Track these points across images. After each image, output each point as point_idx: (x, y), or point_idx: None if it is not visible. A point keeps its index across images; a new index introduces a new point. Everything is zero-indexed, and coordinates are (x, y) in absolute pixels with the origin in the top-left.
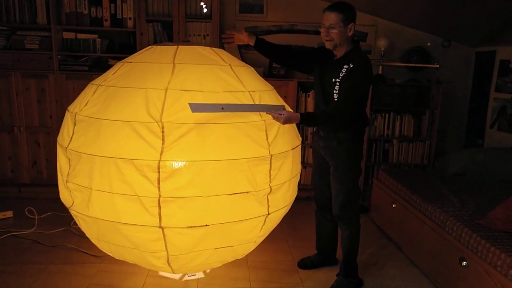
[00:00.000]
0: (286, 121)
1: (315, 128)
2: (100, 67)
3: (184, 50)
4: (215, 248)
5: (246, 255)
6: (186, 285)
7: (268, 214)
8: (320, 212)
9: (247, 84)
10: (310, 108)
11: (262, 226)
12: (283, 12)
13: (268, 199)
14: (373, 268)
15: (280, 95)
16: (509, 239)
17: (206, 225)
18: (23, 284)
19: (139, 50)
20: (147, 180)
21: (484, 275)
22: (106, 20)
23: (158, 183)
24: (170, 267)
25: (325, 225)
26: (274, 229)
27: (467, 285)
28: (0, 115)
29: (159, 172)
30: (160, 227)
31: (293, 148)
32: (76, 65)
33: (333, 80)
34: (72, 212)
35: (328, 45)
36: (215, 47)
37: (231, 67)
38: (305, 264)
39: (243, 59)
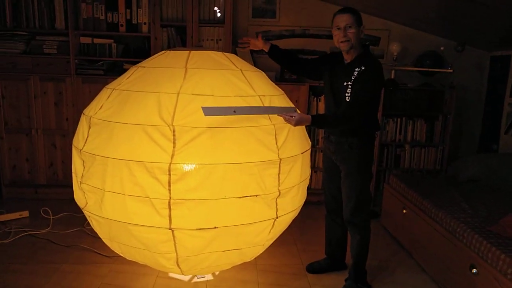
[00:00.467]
0: (297, 123)
1: (325, 132)
2: (116, 71)
3: (196, 55)
4: (224, 251)
5: (255, 258)
6: (195, 287)
7: (277, 217)
8: (330, 216)
9: (258, 89)
10: (322, 113)
11: (270, 229)
12: (295, 16)
13: (276, 203)
14: (383, 274)
15: (291, 99)
16: None
17: (215, 228)
18: (37, 283)
19: (153, 55)
20: (158, 182)
21: (494, 283)
22: (121, 25)
23: (169, 185)
24: (180, 268)
25: (335, 230)
26: (284, 232)
27: None
28: (18, 117)
29: (170, 174)
30: (170, 228)
31: (303, 152)
32: (92, 69)
33: (345, 83)
34: (86, 213)
35: (344, 46)
36: (228, 52)
37: (242, 72)
38: (314, 268)
39: (255, 63)
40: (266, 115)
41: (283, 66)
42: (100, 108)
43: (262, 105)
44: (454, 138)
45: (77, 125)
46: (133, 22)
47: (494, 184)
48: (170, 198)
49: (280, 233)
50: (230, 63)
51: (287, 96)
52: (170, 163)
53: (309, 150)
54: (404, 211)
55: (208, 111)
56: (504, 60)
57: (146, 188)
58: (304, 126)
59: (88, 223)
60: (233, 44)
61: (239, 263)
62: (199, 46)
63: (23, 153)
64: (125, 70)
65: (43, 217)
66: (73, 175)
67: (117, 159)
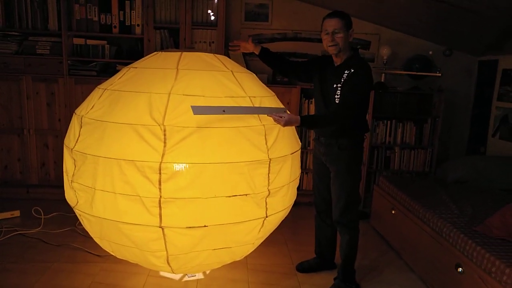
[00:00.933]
0: (287, 123)
1: (315, 133)
2: (108, 72)
3: (188, 56)
4: (214, 249)
5: (246, 258)
6: (186, 286)
7: (266, 216)
8: (320, 217)
9: (248, 90)
10: None
11: (260, 229)
12: (287, 20)
13: (266, 202)
14: (371, 274)
15: (283, 101)
16: (505, 246)
17: (205, 226)
18: (27, 281)
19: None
20: (149, 181)
21: (479, 282)
22: (115, 26)
23: (159, 184)
24: (170, 266)
25: (325, 230)
26: (275, 232)
27: None
28: (10, 117)
29: (160, 173)
30: (160, 227)
31: (293, 153)
32: (85, 70)
33: (335, 86)
34: (76, 211)
35: (332, 50)
36: (220, 54)
37: (232, 73)
38: (304, 268)
39: (248, 66)
40: (257, 116)
41: (274, 69)
42: (91, 108)
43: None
44: (442, 141)
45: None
46: (126, 24)
47: (481, 186)
48: (161, 196)
49: (270, 232)
50: (221, 64)
51: (278, 98)
52: (161, 162)
53: (299, 151)
54: (393, 212)
55: (198, 110)
56: (492, 64)
57: (136, 187)
58: (294, 127)
59: (80, 223)
60: (225, 47)
61: (229, 262)
62: (191, 48)
63: (15, 153)
64: (118, 71)
65: (35, 217)
66: (64, 174)
67: (108, 158)
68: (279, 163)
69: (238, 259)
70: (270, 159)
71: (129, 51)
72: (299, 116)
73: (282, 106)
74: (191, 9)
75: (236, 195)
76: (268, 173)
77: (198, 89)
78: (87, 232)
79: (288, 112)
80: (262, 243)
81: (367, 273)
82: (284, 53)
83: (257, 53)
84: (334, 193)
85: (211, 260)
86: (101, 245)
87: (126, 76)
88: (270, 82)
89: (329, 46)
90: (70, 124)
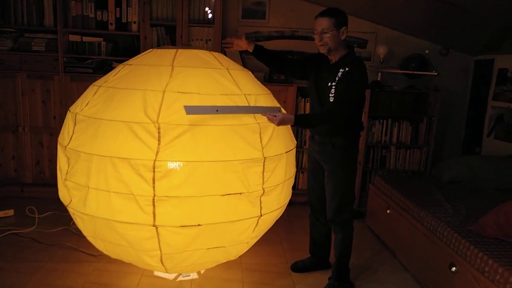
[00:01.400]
0: (281, 122)
1: (310, 132)
2: (105, 69)
3: (183, 53)
4: (208, 248)
5: (240, 257)
6: (180, 286)
7: (261, 215)
8: (314, 215)
9: (243, 88)
10: None
11: (254, 228)
12: (285, 18)
13: (261, 201)
14: (366, 273)
15: (279, 100)
16: (498, 245)
17: (198, 225)
18: (20, 280)
19: None
20: (143, 179)
21: (472, 281)
22: (111, 23)
23: (153, 182)
24: (164, 266)
25: (319, 229)
26: (270, 232)
27: None
28: (5, 115)
29: (154, 171)
30: (154, 225)
31: (287, 152)
32: (81, 67)
33: (329, 84)
34: (70, 210)
35: (322, 50)
36: (215, 51)
37: (228, 71)
38: (298, 267)
39: (244, 64)
40: (252, 114)
41: (269, 66)
42: (86, 105)
43: (248, 104)
44: (438, 140)
45: None
46: (122, 21)
47: (476, 185)
48: (154, 195)
49: (265, 231)
50: (216, 62)
51: (275, 96)
52: (155, 160)
53: (294, 149)
54: (388, 211)
55: (191, 109)
56: (488, 64)
57: (130, 185)
58: (290, 126)
59: (74, 222)
60: (222, 45)
61: (223, 261)
62: (186, 45)
63: (10, 151)
64: (114, 69)
65: (29, 216)
66: (58, 172)
67: (102, 156)
68: (274, 162)
69: (232, 258)
70: (264, 157)
71: (126, 48)
72: (293, 116)
73: (277, 104)
74: (188, 6)
75: (230, 194)
76: (263, 172)
77: (193, 87)
78: (81, 232)
79: (284, 111)
80: (256, 242)
81: (362, 272)
82: (281, 51)
83: (250, 50)
84: (328, 192)
85: (205, 259)
86: (94, 244)
87: (121, 73)
88: (266, 81)
89: (319, 45)
90: (65, 122)
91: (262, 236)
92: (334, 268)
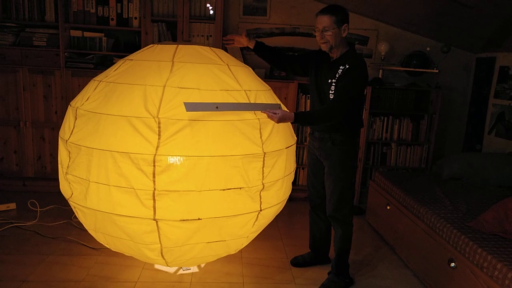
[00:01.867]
0: (280, 120)
1: (310, 128)
2: (105, 65)
3: (184, 49)
4: (208, 242)
5: (241, 252)
6: (180, 279)
7: (261, 210)
8: (314, 211)
9: (243, 83)
10: None
11: (254, 222)
12: (286, 14)
13: (260, 196)
14: (365, 268)
15: (280, 96)
16: (497, 241)
17: (198, 219)
18: (22, 273)
19: None
20: (143, 173)
21: (471, 276)
22: (112, 19)
23: (153, 176)
24: (164, 259)
25: (319, 225)
26: (270, 227)
27: (455, 286)
28: (7, 109)
29: (154, 166)
30: (154, 219)
31: (287, 147)
32: (82, 62)
33: (329, 81)
34: (71, 203)
35: (323, 48)
36: (216, 47)
37: (228, 67)
38: (298, 262)
39: (245, 60)
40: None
41: (270, 63)
42: (86, 100)
43: (248, 100)
44: (439, 137)
45: None
46: (123, 16)
47: (476, 182)
48: (155, 189)
49: (265, 226)
50: (217, 57)
51: (276, 93)
52: (155, 155)
53: (294, 145)
54: (388, 208)
55: (190, 106)
56: (489, 62)
57: (131, 179)
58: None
59: (75, 216)
60: (223, 41)
61: (223, 255)
62: (187, 41)
63: (11, 145)
64: None
65: (31, 210)
66: (59, 166)
67: (103, 150)
68: (274, 157)
69: (232, 252)
70: (264, 153)
71: (127, 44)
72: (293, 113)
73: (277, 100)
74: (189, 2)
75: (230, 189)
76: (263, 167)
77: (193, 82)
78: (82, 225)
79: (285, 108)
80: (257, 237)
81: (361, 267)
82: (282, 48)
83: (251, 47)
84: (328, 188)
85: (205, 253)
86: (95, 237)
87: (121, 68)
88: (267, 77)
89: (320, 43)
90: (65, 116)
91: (263, 231)
92: (334, 263)
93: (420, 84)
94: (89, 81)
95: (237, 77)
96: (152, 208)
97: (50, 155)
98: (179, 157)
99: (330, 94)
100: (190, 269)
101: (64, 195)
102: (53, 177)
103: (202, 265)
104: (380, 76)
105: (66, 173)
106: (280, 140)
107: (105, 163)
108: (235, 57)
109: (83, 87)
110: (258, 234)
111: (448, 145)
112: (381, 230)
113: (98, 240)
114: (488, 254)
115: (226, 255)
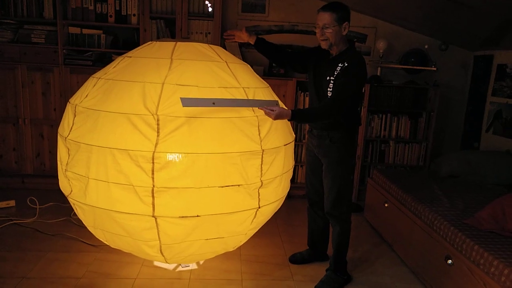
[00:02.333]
0: (277, 117)
1: (309, 126)
2: (104, 62)
3: (182, 46)
4: (207, 239)
5: (239, 249)
6: (179, 276)
7: (259, 207)
8: (312, 209)
9: (242, 81)
10: None
11: (253, 219)
12: (284, 12)
13: (259, 193)
14: (363, 265)
15: (279, 94)
16: (493, 238)
17: (197, 216)
18: (21, 270)
19: None
20: (142, 170)
21: (467, 273)
22: (111, 16)
23: (152, 173)
24: (163, 256)
25: (317, 222)
26: (269, 224)
27: (452, 282)
28: (5, 107)
29: (153, 163)
30: (153, 216)
31: (286, 144)
32: (81, 59)
33: (328, 78)
34: (70, 200)
35: (323, 45)
36: (214, 45)
37: (227, 64)
38: (296, 259)
39: (244, 57)
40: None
41: (269, 58)
42: (85, 97)
43: (246, 97)
44: (437, 135)
45: None
46: (122, 13)
47: (473, 180)
48: (154, 186)
49: (263, 223)
50: (215, 55)
51: (274, 91)
52: (154, 152)
53: (293, 142)
54: (386, 205)
55: (186, 102)
56: (487, 60)
57: (130, 176)
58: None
59: (75, 213)
60: (222, 38)
61: (222, 252)
62: (185, 38)
63: (10, 142)
64: None
65: (30, 207)
66: (58, 163)
67: (102, 147)
68: (272, 154)
69: (231, 249)
70: (263, 150)
71: (125, 41)
72: (290, 110)
73: (276, 97)
74: None
75: (228, 186)
76: (261, 164)
77: (192, 79)
78: (81, 222)
79: (283, 105)
80: (256, 234)
81: (359, 264)
82: (281, 45)
83: (252, 43)
84: (326, 186)
85: (204, 250)
86: (95, 234)
87: (120, 65)
88: (266, 74)
89: (320, 40)
90: (64, 113)
91: (261, 228)
92: (332, 260)
93: (418, 82)
94: (88, 78)
95: (236, 75)
96: (151, 205)
97: (49, 152)
98: (178, 154)
99: (328, 92)
100: (189, 265)
101: (64, 192)
102: (52, 174)
103: (201, 262)
104: (378, 74)
105: (65, 170)
106: (279, 137)
107: (104, 160)
108: (234, 54)
109: (82, 84)
110: (257, 231)
111: (446, 143)
112: (379, 228)
113: (97, 237)
114: (485, 251)
115: (224, 252)
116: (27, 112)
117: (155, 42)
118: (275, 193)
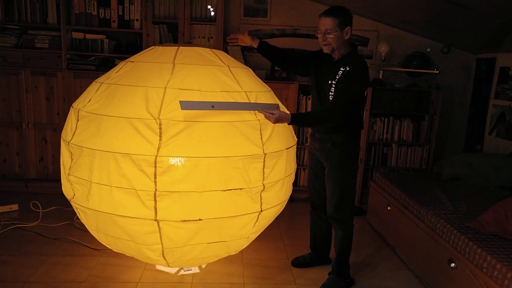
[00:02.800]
0: (277, 120)
1: (311, 129)
2: (107, 66)
3: (185, 51)
4: (209, 243)
5: (241, 252)
6: (181, 279)
7: (261, 211)
8: (314, 212)
9: (244, 85)
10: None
11: (255, 223)
12: (286, 16)
13: (261, 197)
14: (366, 269)
15: (281, 97)
16: (496, 241)
17: (199, 220)
18: (24, 274)
19: None
20: (144, 174)
21: (470, 277)
22: (114, 21)
23: (155, 177)
24: (165, 260)
25: (320, 225)
26: (271, 228)
27: (455, 286)
28: (9, 111)
29: (155, 167)
30: (155, 220)
31: (288, 148)
32: (84, 64)
33: (330, 82)
34: (73, 204)
35: (325, 50)
36: (217, 49)
37: (229, 68)
38: (299, 263)
39: (246, 61)
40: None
41: (272, 62)
42: (88, 101)
43: (248, 101)
44: (440, 138)
45: None
46: (125, 18)
47: (476, 183)
48: (156, 190)
49: (265, 227)
50: (217, 59)
51: (276, 94)
52: (156, 156)
53: (295, 146)
54: (389, 208)
55: (186, 105)
56: (489, 62)
57: (132, 180)
58: None
59: (77, 217)
60: (224, 42)
61: (224, 256)
62: (188, 43)
63: (14, 147)
64: None
65: (33, 211)
66: (61, 167)
67: (104, 151)
68: (274, 158)
69: (233, 253)
70: (265, 153)
71: (128, 45)
72: (290, 114)
73: (278, 101)
74: (190, 4)
75: (231, 189)
76: (263, 168)
77: (194, 84)
78: (84, 226)
79: (284, 108)
80: (258, 238)
81: (362, 268)
82: (284, 49)
83: (255, 46)
84: (328, 189)
85: (206, 253)
86: (97, 238)
87: (123, 70)
88: (268, 78)
89: (322, 45)
90: (67, 118)
91: (264, 231)
92: (334, 263)
93: (421, 84)
94: (91, 82)
95: (238, 79)
96: (154, 209)
97: (52, 157)
98: (180, 158)
99: (330, 95)
100: (191, 269)
101: (66, 196)
102: (55, 178)
103: (203, 266)
104: (380, 77)
105: (68, 174)
106: (281, 141)
107: (107, 164)
108: (236, 59)
109: (85, 89)
110: (259, 235)
111: (449, 145)
112: (382, 231)
113: (99, 241)
114: (488, 254)
115: (226, 255)
116: (31, 117)
117: (157, 46)
118: (277, 196)
